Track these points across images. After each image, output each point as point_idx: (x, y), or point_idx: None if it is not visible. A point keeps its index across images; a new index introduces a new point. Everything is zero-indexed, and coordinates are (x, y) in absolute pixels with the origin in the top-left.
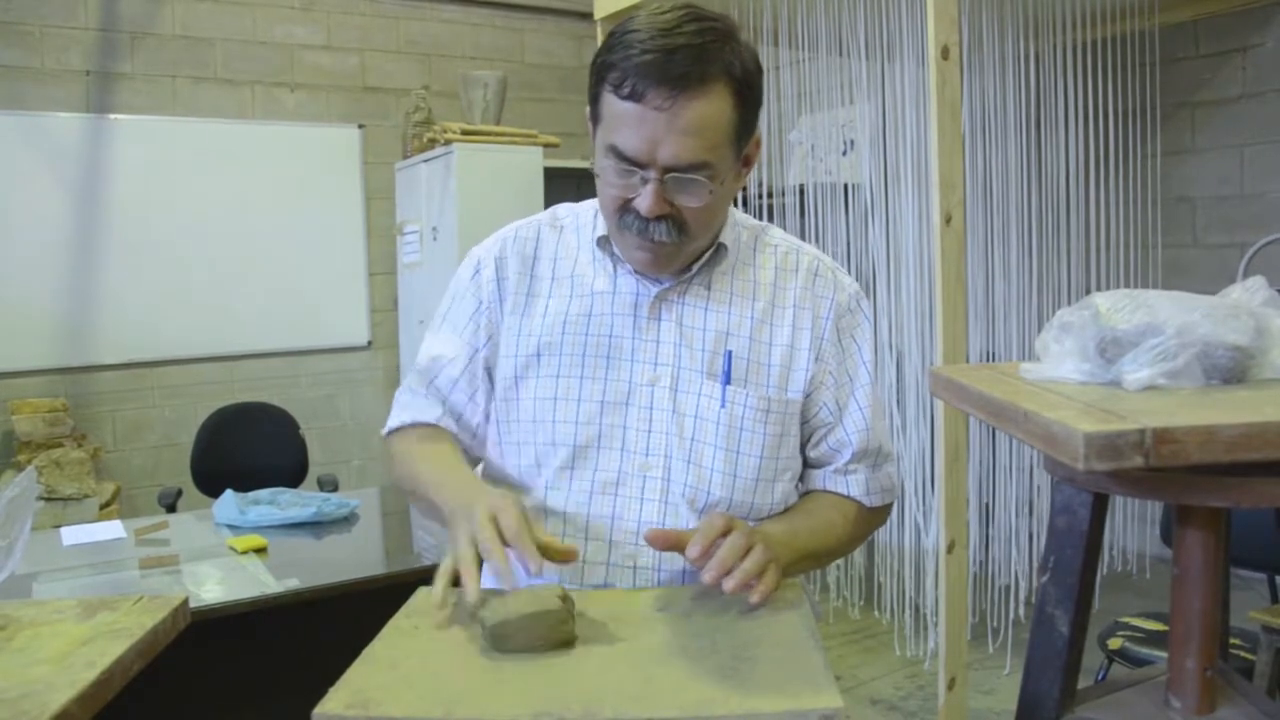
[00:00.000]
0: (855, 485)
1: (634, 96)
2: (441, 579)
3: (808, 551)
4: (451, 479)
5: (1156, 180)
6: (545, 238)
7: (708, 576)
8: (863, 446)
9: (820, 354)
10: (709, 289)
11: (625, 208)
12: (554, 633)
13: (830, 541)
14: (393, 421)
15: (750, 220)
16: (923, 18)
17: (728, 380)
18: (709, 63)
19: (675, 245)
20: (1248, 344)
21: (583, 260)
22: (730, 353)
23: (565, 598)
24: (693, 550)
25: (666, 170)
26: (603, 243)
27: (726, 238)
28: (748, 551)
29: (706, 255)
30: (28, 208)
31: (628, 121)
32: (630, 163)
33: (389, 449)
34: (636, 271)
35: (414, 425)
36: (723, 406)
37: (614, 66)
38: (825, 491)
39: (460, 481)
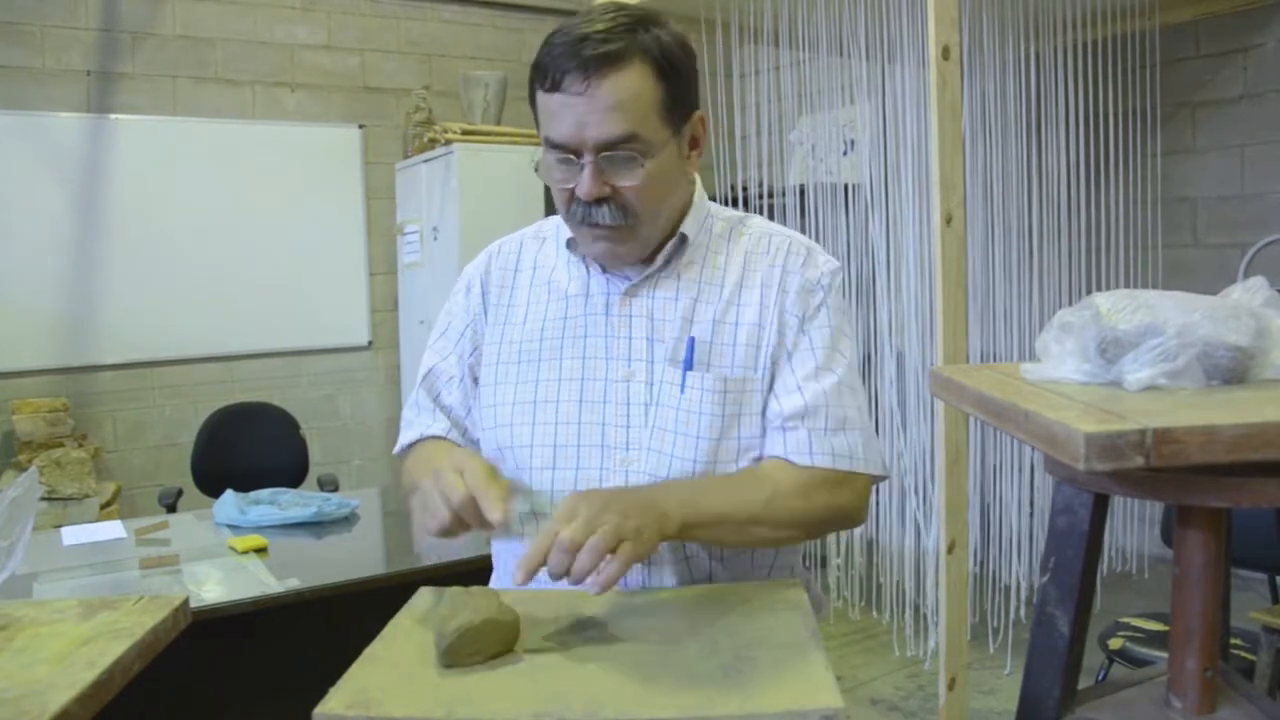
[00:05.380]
0: (792, 442)
1: (555, 87)
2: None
3: (719, 514)
4: (446, 456)
5: (1157, 180)
6: (527, 249)
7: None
8: (794, 408)
9: (782, 326)
10: (678, 280)
11: (572, 199)
12: (505, 642)
13: (752, 504)
14: (402, 441)
15: (729, 212)
16: (923, 18)
17: (689, 366)
18: (617, 43)
19: (626, 228)
20: (1248, 344)
21: (559, 266)
22: (693, 339)
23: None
24: (519, 575)
25: (598, 151)
26: (572, 244)
27: (688, 228)
28: (582, 545)
29: (669, 247)
30: (28, 208)
31: (554, 111)
32: (564, 150)
33: (402, 467)
34: (604, 270)
35: (421, 440)
36: (682, 392)
37: (537, 67)
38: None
39: (452, 453)
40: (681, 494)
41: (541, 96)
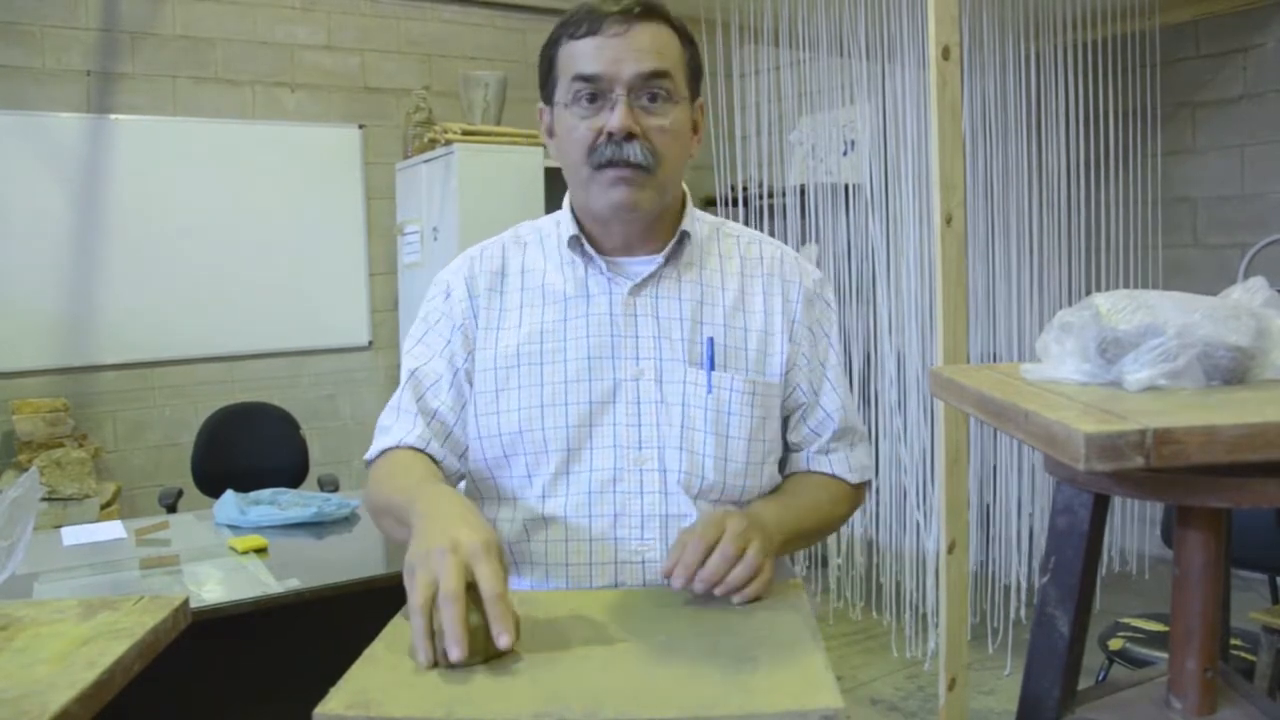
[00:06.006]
0: (837, 464)
1: (591, 32)
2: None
3: (800, 531)
4: (429, 493)
5: (1157, 180)
6: (511, 254)
7: (697, 589)
8: (842, 424)
9: (793, 335)
10: (679, 279)
11: (595, 144)
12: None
13: (818, 521)
14: (375, 447)
15: (707, 215)
16: (923, 18)
17: (712, 366)
18: (650, 5)
19: (648, 173)
20: (1248, 345)
21: (550, 270)
22: (711, 339)
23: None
24: (677, 580)
25: (631, 89)
26: (573, 243)
27: (689, 225)
28: (740, 556)
29: (671, 244)
30: (28, 208)
31: (588, 52)
32: (597, 83)
33: (370, 473)
34: (607, 265)
35: (396, 449)
36: (709, 392)
37: (568, 23)
38: (810, 472)
39: (438, 499)
40: (776, 516)
41: (570, 44)
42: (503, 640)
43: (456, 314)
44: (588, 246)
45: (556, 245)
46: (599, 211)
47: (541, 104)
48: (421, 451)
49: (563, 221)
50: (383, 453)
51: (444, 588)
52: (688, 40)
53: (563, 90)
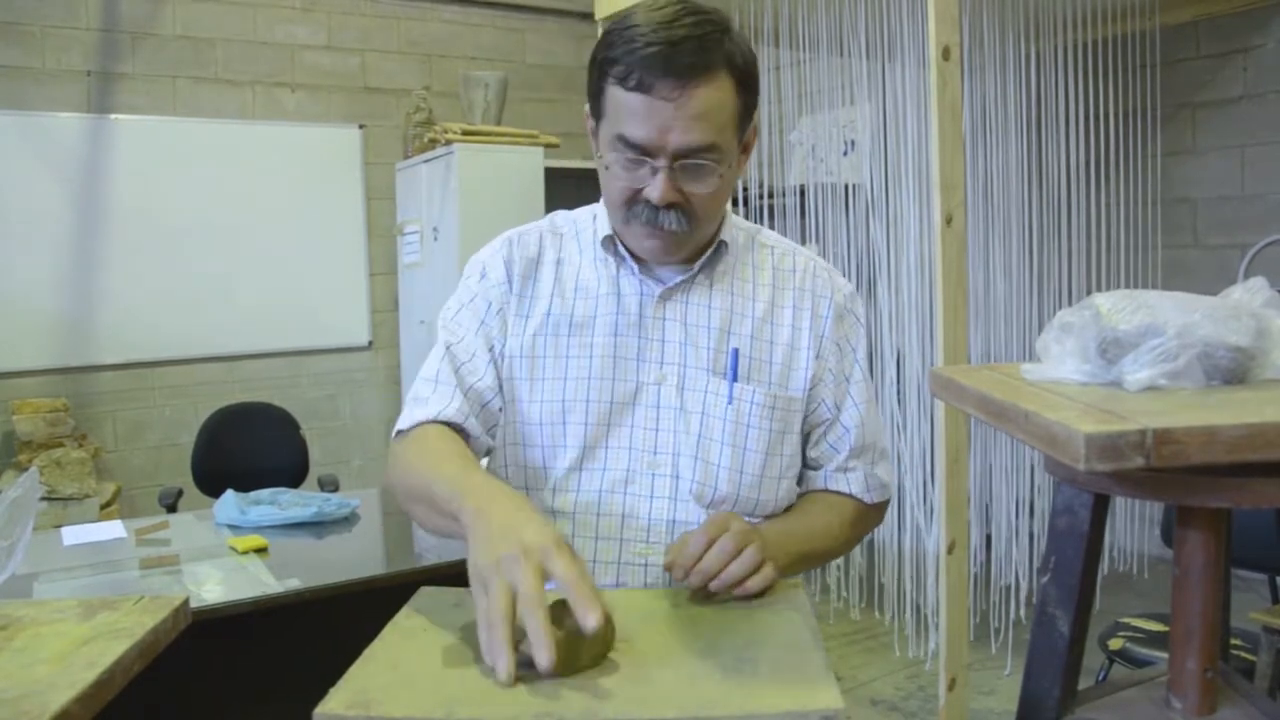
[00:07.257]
0: (855, 483)
1: (641, 88)
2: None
3: (802, 554)
4: (477, 486)
5: (1157, 181)
6: (547, 243)
7: (694, 581)
8: (860, 442)
9: (820, 351)
10: (711, 287)
11: (634, 199)
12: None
13: (827, 543)
14: (408, 419)
15: (744, 222)
16: (923, 18)
17: (734, 377)
18: (711, 53)
19: (685, 234)
20: (1248, 345)
21: (584, 265)
22: (736, 350)
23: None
24: (677, 572)
25: (676, 157)
26: (607, 243)
27: (726, 235)
28: (739, 553)
29: (708, 253)
30: (28, 208)
31: (636, 112)
32: (640, 151)
33: (398, 449)
34: (640, 268)
35: (433, 423)
36: (729, 403)
37: (617, 61)
38: (825, 491)
39: (491, 494)
40: (780, 537)
41: (619, 93)
42: (589, 620)
43: (494, 295)
44: (621, 248)
45: (592, 240)
46: (633, 249)
47: (588, 109)
48: (454, 429)
49: (600, 217)
50: (416, 425)
51: (525, 592)
52: (744, 82)
53: (605, 133)
